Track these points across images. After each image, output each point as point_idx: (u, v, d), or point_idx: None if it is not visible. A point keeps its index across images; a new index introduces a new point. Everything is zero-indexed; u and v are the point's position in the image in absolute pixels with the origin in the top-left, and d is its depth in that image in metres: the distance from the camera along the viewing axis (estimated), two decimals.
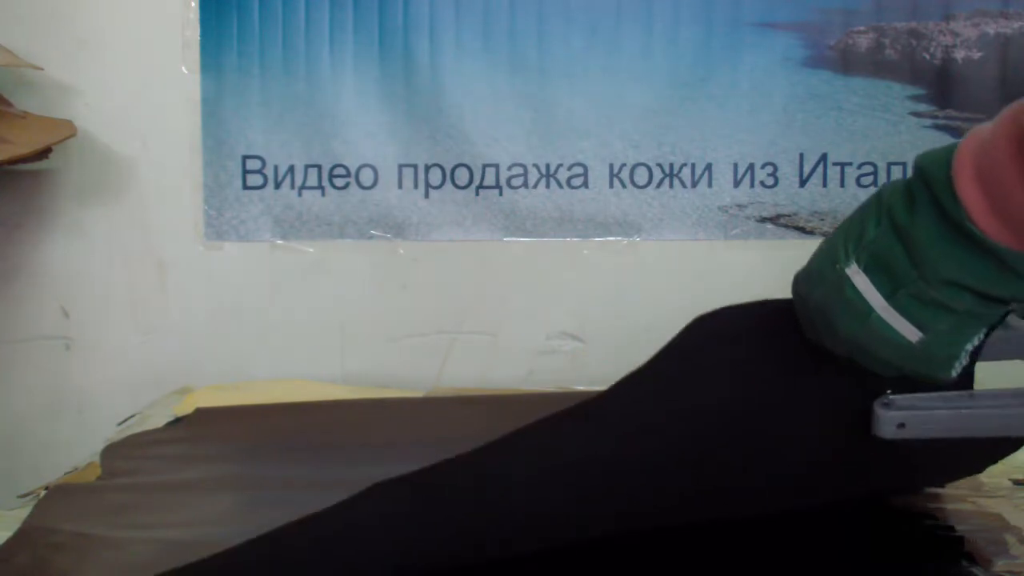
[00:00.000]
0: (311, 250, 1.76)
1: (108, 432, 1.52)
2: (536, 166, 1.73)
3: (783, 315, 0.73)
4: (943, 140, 1.69)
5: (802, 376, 0.70)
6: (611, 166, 1.72)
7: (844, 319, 0.64)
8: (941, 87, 1.69)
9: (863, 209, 0.67)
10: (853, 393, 0.67)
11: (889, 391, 0.66)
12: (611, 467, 0.71)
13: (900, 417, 0.66)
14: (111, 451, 1.26)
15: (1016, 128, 0.56)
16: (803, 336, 0.71)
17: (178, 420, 1.44)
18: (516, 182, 1.73)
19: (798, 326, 0.71)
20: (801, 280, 0.70)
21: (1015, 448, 0.78)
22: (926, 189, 0.61)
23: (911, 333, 0.62)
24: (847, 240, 0.65)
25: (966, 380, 0.68)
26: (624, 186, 1.73)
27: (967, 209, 0.58)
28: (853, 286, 0.63)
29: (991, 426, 0.67)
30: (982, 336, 0.63)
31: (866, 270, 0.63)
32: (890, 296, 0.62)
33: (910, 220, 0.61)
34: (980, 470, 0.84)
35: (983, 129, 0.59)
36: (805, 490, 0.74)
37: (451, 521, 0.70)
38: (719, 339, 0.74)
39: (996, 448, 0.76)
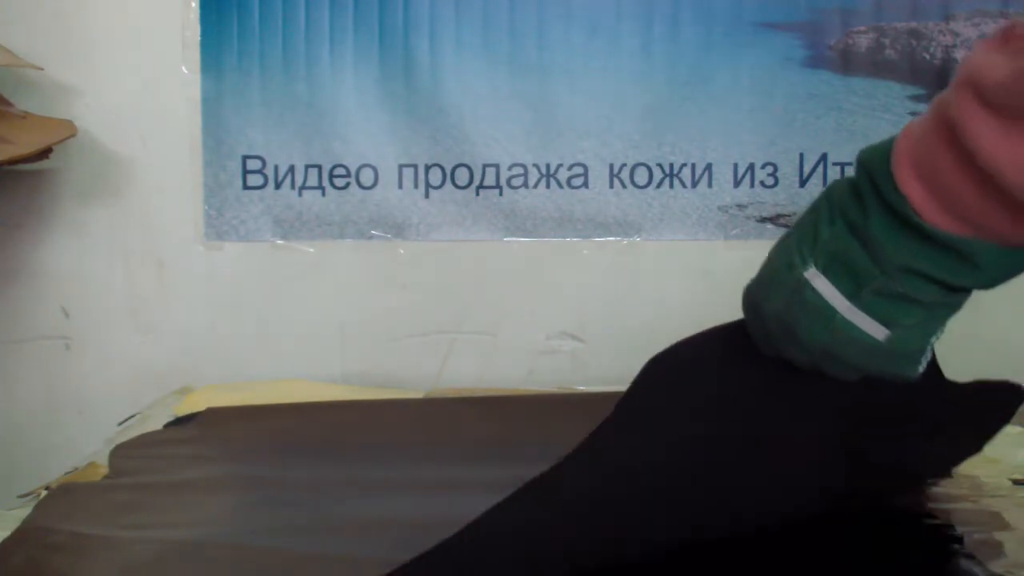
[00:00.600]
0: (311, 250, 1.76)
1: (108, 432, 1.51)
2: (536, 166, 1.73)
3: (742, 333, 0.72)
4: None
5: (786, 382, 0.69)
6: (611, 166, 1.72)
7: (806, 325, 0.63)
8: (941, 87, 1.67)
9: (813, 211, 0.66)
10: (839, 388, 0.67)
11: None
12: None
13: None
14: (119, 451, 1.26)
15: (944, 119, 0.56)
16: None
17: (189, 419, 1.44)
18: (516, 182, 1.73)
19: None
20: (753, 291, 0.69)
21: (999, 423, 0.77)
22: (871, 184, 0.61)
23: (878, 331, 0.61)
24: (801, 243, 0.64)
25: (934, 371, 0.67)
26: (624, 186, 1.73)
27: (911, 202, 0.58)
28: (813, 289, 0.62)
29: None
30: (943, 327, 0.63)
31: (825, 271, 0.62)
32: (853, 295, 0.61)
33: (862, 215, 0.61)
34: (978, 447, 0.83)
35: (915, 124, 0.60)
36: (810, 491, 0.74)
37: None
38: (683, 372, 0.73)
39: (983, 423, 0.76)
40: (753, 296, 0.69)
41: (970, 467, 1.04)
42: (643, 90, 1.71)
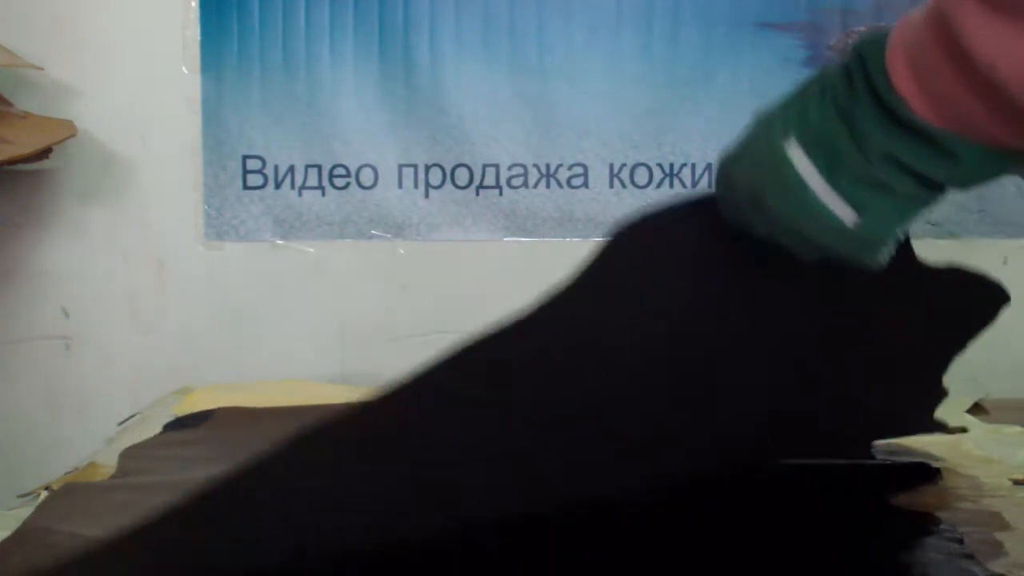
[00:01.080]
0: (311, 250, 1.76)
1: (108, 432, 1.52)
2: (536, 166, 1.73)
3: (710, 211, 0.71)
4: None
5: (752, 277, 0.69)
6: (611, 166, 1.72)
7: (779, 199, 0.63)
8: None
9: (803, 90, 0.66)
10: (805, 279, 0.67)
11: None
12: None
13: None
14: (129, 452, 1.26)
15: (937, 12, 0.56)
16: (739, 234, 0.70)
17: (195, 419, 1.44)
18: (516, 182, 1.73)
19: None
20: (728, 162, 0.69)
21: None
22: (863, 73, 0.61)
23: (848, 216, 0.61)
24: (787, 120, 0.65)
25: (907, 259, 0.67)
26: (624, 186, 1.73)
27: (901, 94, 0.58)
28: (792, 165, 0.62)
29: None
30: (909, 222, 0.63)
31: (806, 149, 0.62)
32: (830, 176, 0.61)
33: (851, 101, 0.61)
34: (962, 345, 0.83)
35: (913, 16, 0.60)
36: (776, 399, 0.74)
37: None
38: (647, 257, 0.72)
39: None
40: (727, 166, 0.69)
41: (970, 467, 1.04)
42: (643, 90, 1.71)
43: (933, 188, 0.61)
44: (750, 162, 0.67)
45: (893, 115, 0.59)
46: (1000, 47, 0.52)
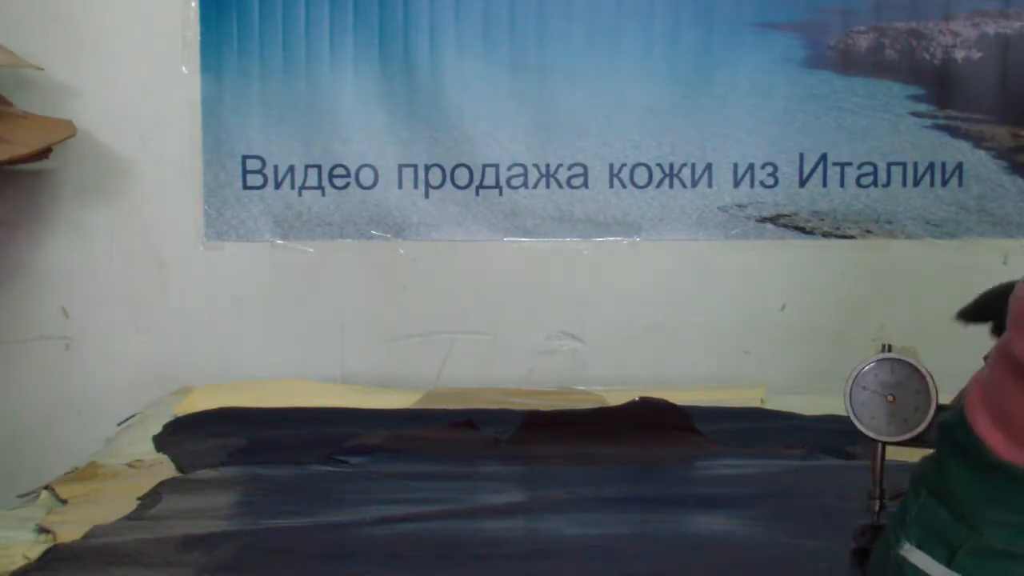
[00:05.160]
0: (311, 250, 1.75)
1: (108, 432, 1.52)
2: (536, 166, 1.73)
3: None
4: (943, 140, 1.69)
5: None
6: (611, 166, 1.72)
7: None
8: (941, 87, 1.69)
9: (905, 496, 0.67)
10: None
11: None
12: None
13: None
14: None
15: (1009, 359, 0.57)
16: None
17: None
18: (516, 182, 1.73)
19: None
20: None
21: None
22: (950, 443, 0.62)
23: None
24: (895, 525, 0.65)
25: None
26: (624, 186, 1.72)
27: (989, 445, 0.59)
28: (912, 565, 0.63)
29: None
30: None
31: (919, 545, 0.63)
32: (950, 561, 0.62)
33: (943, 477, 0.62)
34: None
35: (984, 372, 0.61)
36: None
37: None
38: None
39: None
40: None
41: None
42: (643, 90, 1.71)
43: None
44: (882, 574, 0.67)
45: (986, 470, 0.59)
46: None
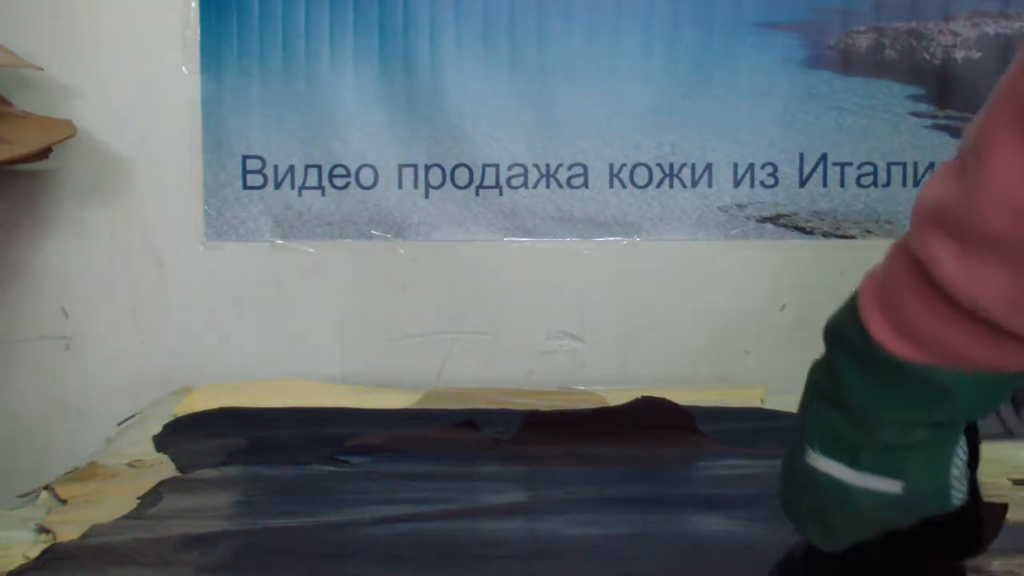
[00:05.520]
0: (311, 250, 1.76)
1: (108, 432, 1.52)
2: (536, 166, 1.73)
3: None
4: (943, 140, 1.69)
5: None
6: (611, 166, 1.72)
7: (831, 506, 0.65)
8: (941, 87, 1.69)
9: (800, 405, 0.68)
10: None
11: None
12: None
13: None
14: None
15: (907, 255, 0.58)
16: None
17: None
18: (516, 182, 1.73)
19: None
20: (783, 498, 0.71)
21: None
22: (840, 345, 0.63)
23: (892, 486, 0.63)
24: (798, 438, 0.67)
25: (974, 495, 0.68)
26: (624, 186, 1.73)
27: (880, 341, 0.60)
28: (821, 472, 0.64)
29: None
30: (962, 455, 0.64)
31: (823, 452, 0.64)
32: (854, 463, 0.63)
33: (834, 382, 0.63)
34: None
35: (874, 271, 0.62)
36: None
37: None
38: None
39: None
40: (785, 504, 0.71)
41: None
42: (643, 90, 1.71)
43: (944, 426, 0.62)
44: (795, 489, 0.68)
45: (875, 366, 0.60)
46: (978, 285, 0.55)
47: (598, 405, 1.51)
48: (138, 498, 1.12)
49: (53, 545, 0.96)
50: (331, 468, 1.25)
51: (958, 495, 0.64)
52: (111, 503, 1.11)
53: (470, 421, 1.41)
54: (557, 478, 1.21)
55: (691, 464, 1.29)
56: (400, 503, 1.12)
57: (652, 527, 1.05)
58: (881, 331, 0.60)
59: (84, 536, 0.99)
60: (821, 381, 0.65)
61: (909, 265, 0.58)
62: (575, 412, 1.44)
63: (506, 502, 1.12)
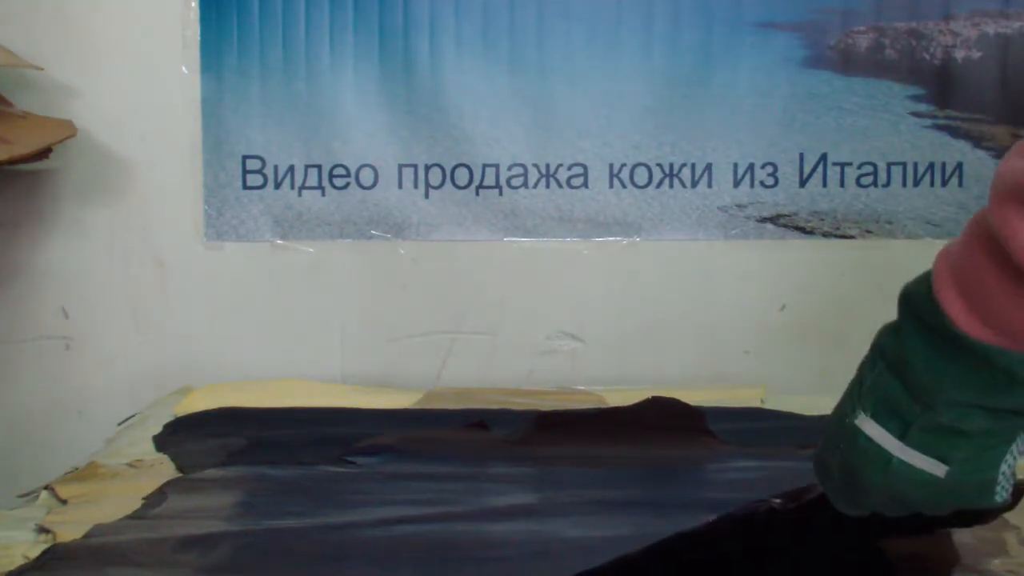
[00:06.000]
0: (311, 250, 1.76)
1: (108, 432, 1.52)
2: (536, 166, 1.73)
3: None
4: (943, 140, 1.69)
5: None
6: (611, 166, 1.72)
7: (865, 471, 0.63)
8: (941, 87, 1.69)
9: (863, 360, 0.66)
10: None
11: None
12: None
13: None
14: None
15: (984, 231, 0.56)
16: None
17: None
18: (516, 182, 1.73)
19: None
20: (821, 451, 0.69)
21: None
22: (911, 314, 0.61)
23: (936, 468, 0.61)
24: (851, 394, 0.64)
25: (1017, 494, 0.67)
26: (624, 186, 1.73)
27: (951, 317, 0.58)
28: (866, 436, 0.62)
29: None
30: (1015, 453, 0.62)
31: (874, 416, 0.62)
32: (903, 435, 0.61)
33: (901, 351, 0.61)
34: None
35: (953, 244, 0.60)
36: None
37: None
38: None
39: None
40: (820, 455, 0.69)
41: None
42: (643, 90, 1.71)
43: (1006, 415, 0.60)
44: (833, 444, 0.66)
45: (949, 344, 0.58)
46: None
47: (599, 405, 1.51)
48: (143, 498, 1.12)
49: (54, 545, 0.96)
50: (339, 469, 1.25)
51: (1003, 493, 0.62)
52: (111, 503, 1.11)
53: (480, 421, 1.41)
54: (566, 480, 1.20)
55: (702, 466, 1.28)
56: (404, 504, 1.11)
57: (659, 529, 1.04)
58: (953, 306, 0.58)
59: (86, 536, 0.99)
60: (888, 345, 0.62)
61: (985, 241, 0.56)
62: (585, 412, 1.43)
63: (512, 504, 1.11)
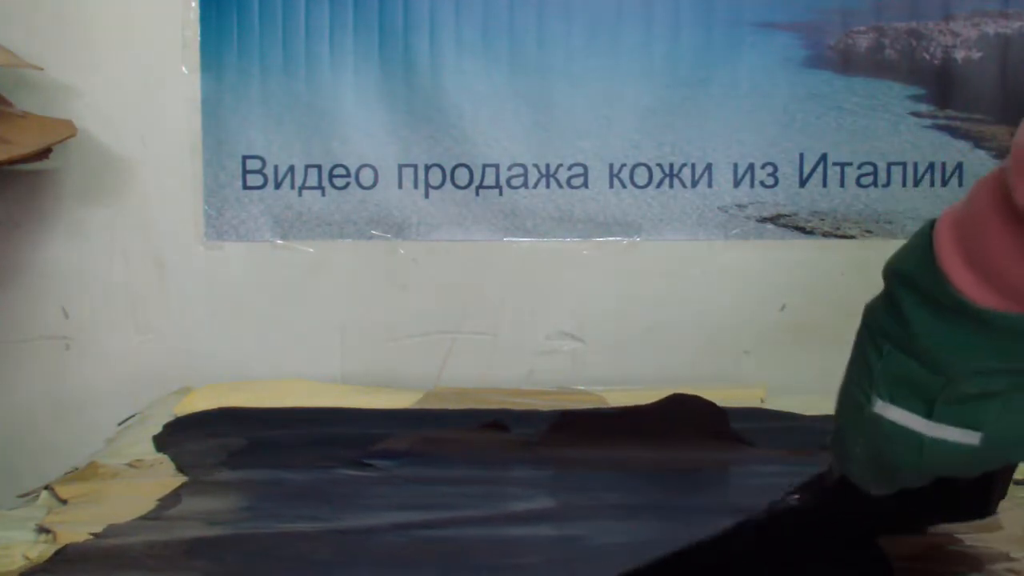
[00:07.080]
0: (311, 250, 1.76)
1: (108, 432, 1.52)
2: (536, 166, 1.73)
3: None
4: (943, 140, 1.69)
5: None
6: (611, 166, 1.72)
7: (900, 457, 0.62)
8: (941, 87, 1.69)
9: (858, 345, 0.64)
10: None
11: None
12: None
13: None
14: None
15: (998, 200, 0.55)
16: None
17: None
18: (516, 182, 1.73)
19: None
20: (835, 452, 0.68)
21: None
22: (909, 290, 0.59)
23: (970, 437, 0.59)
24: (859, 384, 0.63)
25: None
26: (624, 186, 1.73)
27: (958, 286, 0.56)
28: (890, 421, 0.61)
29: None
30: None
31: (893, 400, 0.61)
32: (929, 414, 0.60)
33: (908, 330, 0.60)
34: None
35: (955, 208, 0.59)
36: None
37: None
38: None
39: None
40: (837, 454, 0.67)
41: None
42: (643, 90, 1.71)
43: None
44: (851, 440, 0.65)
45: (956, 314, 0.57)
46: None
47: (599, 405, 1.51)
48: (158, 500, 1.11)
49: (66, 547, 0.95)
50: (353, 472, 1.23)
51: None
52: (111, 503, 1.11)
53: (498, 422, 1.40)
54: (586, 483, 1.17)
55: (724, 469, 1.25)
56: (420, 509, 1.09)
57: (683, 537, 1.02)
58: (963, 277, 0.56)
59: (99, 536, 0.98)
60: (887, 324, 0.61)
61: (999, 206, 0.54)
62: (606, 411, 1.42)
63: (531, 508, 1.09)
